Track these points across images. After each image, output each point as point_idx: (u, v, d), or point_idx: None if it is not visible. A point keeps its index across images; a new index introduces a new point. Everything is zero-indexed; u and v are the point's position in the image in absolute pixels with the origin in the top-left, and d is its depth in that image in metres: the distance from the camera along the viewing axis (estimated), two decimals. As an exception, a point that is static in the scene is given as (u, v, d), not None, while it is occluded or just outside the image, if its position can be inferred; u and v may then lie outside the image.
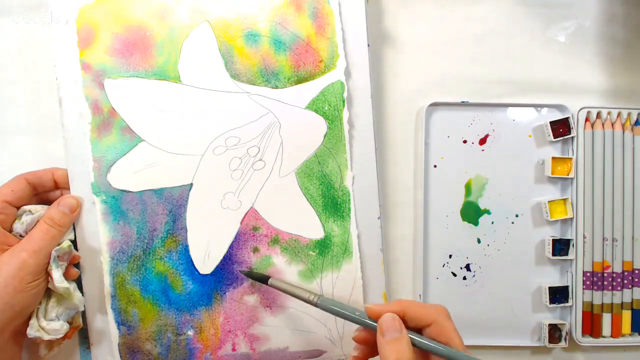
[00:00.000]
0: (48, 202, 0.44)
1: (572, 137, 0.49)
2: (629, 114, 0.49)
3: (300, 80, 0.45)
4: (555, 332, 0.49)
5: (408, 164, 0.50)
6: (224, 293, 0.45)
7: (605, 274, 0.49)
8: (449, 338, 0.34)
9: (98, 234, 0.44)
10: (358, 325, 0.38)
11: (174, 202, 0.44)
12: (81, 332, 0.45)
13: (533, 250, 0.50)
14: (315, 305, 0.39)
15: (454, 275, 0.50)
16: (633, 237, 0.49)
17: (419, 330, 0.36)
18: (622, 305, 0.49)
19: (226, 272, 0.45)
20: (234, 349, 0.45)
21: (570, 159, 0.49)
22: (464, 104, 0.49)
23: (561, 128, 0.49)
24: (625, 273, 0.49)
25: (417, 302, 0.37)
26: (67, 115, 0.44)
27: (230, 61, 0.45)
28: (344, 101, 0.45)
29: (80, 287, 0.44)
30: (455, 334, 0.35)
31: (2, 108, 0.48)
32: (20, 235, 0.42)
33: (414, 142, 0.50)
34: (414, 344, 0.34)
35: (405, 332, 0.34)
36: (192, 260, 0.45)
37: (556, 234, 0.50)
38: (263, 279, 0.44)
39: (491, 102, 0.50)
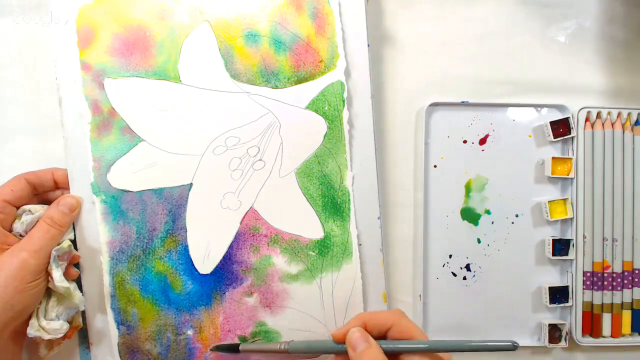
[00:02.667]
0: (48, 202, 0.44)
1: (572, 137, 0.49)
2: (629, 114, 0.49)
3: (300, 80, 0.45)
4: (555, 332, 0.49)
5: (408, 164, 0.50)
6: (224, 293, 0.45)
7: (605, 274, 0.49)
8: (410, 334, 0.36)
9: (98, 233, 0.44)
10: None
11: (173, 202, 0.44)
12: (81, 332, 0.45)
13: (533, 250, 0.50)
14: (287, 352, 0.40)
15: (454, 275, 0.50)
16: (633, 237, 0.49)
17: (383, 337, 0.38)
18: (622, 305, 0.49)
19: (226, 272, 0.45)
20: (233, 349, 0.45)
21: (570, 159, 0.49)
22: (464, 104, 0.49)
23: (561, 128, 0.49)
24: (625, 273, 0.49)
25: (374, 312, 0.40)
26: (67, 115, 0.44)
27: (230, 61, 0.45)
28: (344, 101, 0.45)
29: (80, 287, 0.44)
30: (415, 329, 0.37)
31: (2, 108, 0.48)
32: (20, 235, 0.42)
33: (414, 142, 0.50)
34: (385, 351, 0.36)
35: (373, 340, 0.36)
36: (191, 260, 0.45)
37: (556, 234, 0.50)
38: (233, 348, 0.44)
39: (491, 102, 0.50)
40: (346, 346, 0.37)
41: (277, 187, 0.45)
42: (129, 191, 0.44)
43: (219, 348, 0.44)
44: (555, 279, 0.50)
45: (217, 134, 0.45)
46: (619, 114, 0.49)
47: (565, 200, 0.49)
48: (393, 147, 0.50)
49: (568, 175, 0.49)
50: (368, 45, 0.45)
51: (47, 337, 0.40)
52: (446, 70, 0.50)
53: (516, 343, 0.34)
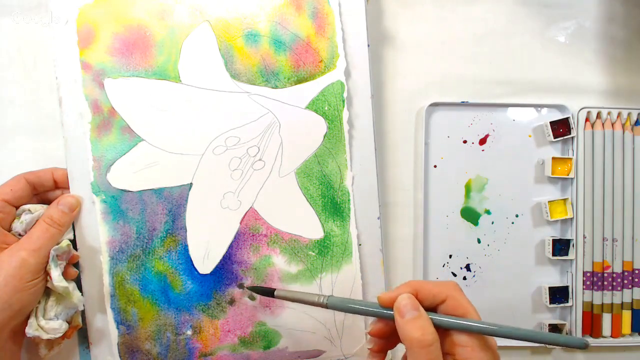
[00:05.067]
0: (48, 202, 0.44)
1: (572, 137, 0.49)
2: (629, 114, 0.49)
3: (300, 80, 0.45)
4: (555, 332, 0.49)
5: (408, 164, 0.50)
6: (224, 293, 0.45)
7: (605, 274, 0.49)
8: (464, 311, 0.34)
9: (97, 233, 0.44)
10: (370, 320, 0.36)
11: (173, 202, 0.44)
12: (81, 331, 0.45)
13: (533, 250, 0.50)
14: (325, 306, 0.37)
15: (454, 275, 0.50)
16: (633, 237, 0.49)
17: (434, 309, 0.35)
18: (622, 305, 0.49)
19: (226, 271, 0.45)
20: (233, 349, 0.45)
21: (570, 159, 0.49)
22: (464, 104, 0.49)
23: (561, 128, 0.49)
24: (625, 273, 0.49)
25: (428, 281, 0.36)
26: (67, 115, 0.44)
27: (230, 61, 0.45)
28: (343, 101, 0.45)
29: (79, 287, 0.44)
30: (470, 306, 0.34)
31: (2, 108, 0.48)
32: (20, 235, 0.42)
33: (414, 142, 0.50)
34: (434, 324, 0.33)
35: (423, 310, 0.33)
36: (191, 260, 0.45)
37: (556, 234, 0.50)
38: (268, 292, 0.42)
39: (491, 102, 0.50)
40: (393, 312, 0.34)
41: (277, 187, 0.45)
42: (129, 191, 0.44)
43: (255, 289, 0.43)
44: (555, 279, 0.50)
45: (217, 133, 0.45)
46: (619, 114, 0.49)
47: (565, 200, 0.49)
48: (393, 147, 0.50)
49: (568, 175, 0.49)
50: (368, 45, 0.45)
51: (45, 336, 0.40)
52: (446, 70, 0.50)
53: (587, 342, 0.31)
